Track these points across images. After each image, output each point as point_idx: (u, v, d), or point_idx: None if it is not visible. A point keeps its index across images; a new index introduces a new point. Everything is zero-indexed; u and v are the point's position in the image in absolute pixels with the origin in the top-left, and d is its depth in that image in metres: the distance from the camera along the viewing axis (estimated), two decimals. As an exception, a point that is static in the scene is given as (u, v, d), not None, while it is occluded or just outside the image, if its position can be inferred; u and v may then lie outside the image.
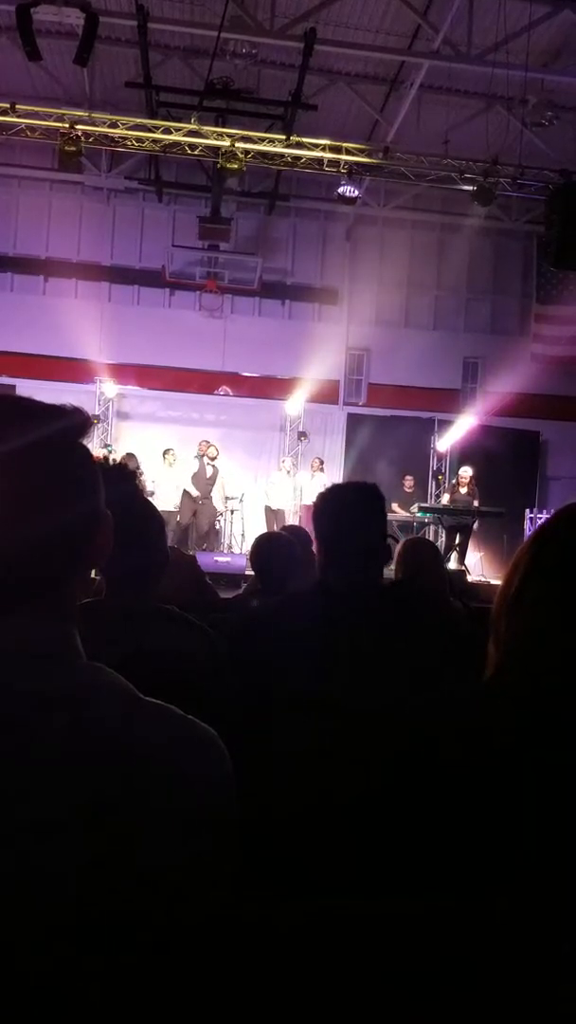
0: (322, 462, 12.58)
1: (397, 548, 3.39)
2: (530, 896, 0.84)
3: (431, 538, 10.35)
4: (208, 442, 11.70)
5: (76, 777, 0.77)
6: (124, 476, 1.76)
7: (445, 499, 11.53)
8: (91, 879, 0.75)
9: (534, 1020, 0.80)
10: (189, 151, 11.15)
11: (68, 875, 0.75)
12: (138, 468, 11.22)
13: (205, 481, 11.41)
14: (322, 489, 2.06)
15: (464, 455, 12.82)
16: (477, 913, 0.82)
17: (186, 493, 11.32)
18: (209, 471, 11.46)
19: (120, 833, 0.77)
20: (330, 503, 1.94)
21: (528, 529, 12.02)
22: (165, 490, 11.25)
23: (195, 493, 11.32)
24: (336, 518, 1.91)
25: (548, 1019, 0.79)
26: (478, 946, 0.79)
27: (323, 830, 1.00)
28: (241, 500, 12.17)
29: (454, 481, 11.72)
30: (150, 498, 11.11)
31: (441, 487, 12.35)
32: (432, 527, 11.73)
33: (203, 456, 11.50)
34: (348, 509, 1.92)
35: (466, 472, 11.42)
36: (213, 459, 11.53)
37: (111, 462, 1.86)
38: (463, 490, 11.25)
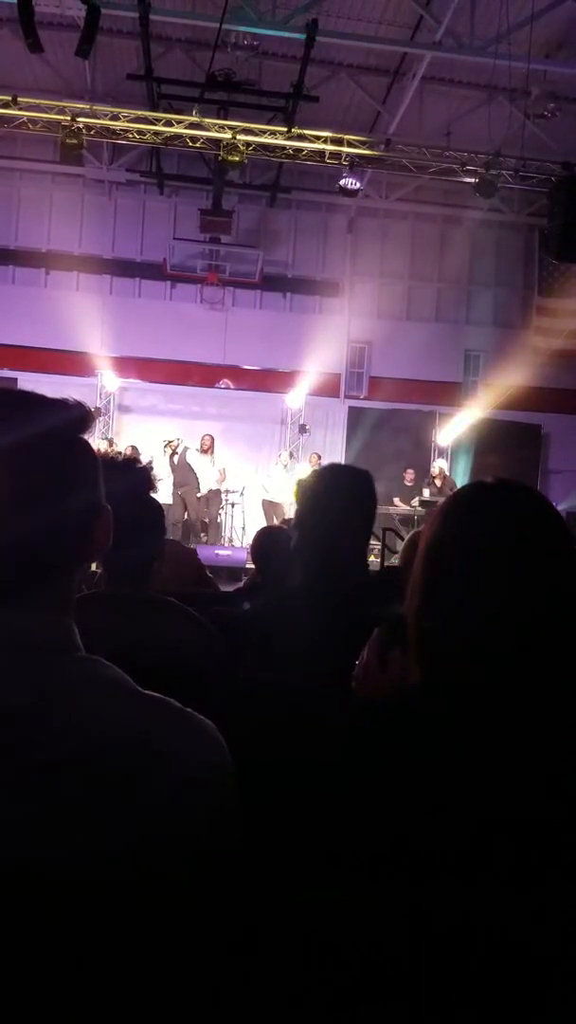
0: (320, 456, 12.56)
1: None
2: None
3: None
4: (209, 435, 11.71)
5: (74, 771, 0.78)
6: (128, 469, 1.76)
7: (427, 493, 11.69)
8: (92, 871, 0.76)
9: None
10: (190, 143, 11.11)
11: (69, 868, 0.75)
12: (149, 462, 11.19)
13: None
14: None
15: (465, 448, 12.88)
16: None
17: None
18: (208, 462, 11.46)
19: (119, 827, 0.77)
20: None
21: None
22: (163, 483, 11.27)
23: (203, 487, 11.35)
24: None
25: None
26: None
27: (319, 821, 1.01)
28: (242, 493, 12.16)
29: (431, 476, 12.04)
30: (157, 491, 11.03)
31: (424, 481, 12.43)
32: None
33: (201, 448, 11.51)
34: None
35: (438, 466, 12.07)
36: (206, 451, 11.51)
37: (118, 456, 1.87)
38: (438, 483, 11.62)
